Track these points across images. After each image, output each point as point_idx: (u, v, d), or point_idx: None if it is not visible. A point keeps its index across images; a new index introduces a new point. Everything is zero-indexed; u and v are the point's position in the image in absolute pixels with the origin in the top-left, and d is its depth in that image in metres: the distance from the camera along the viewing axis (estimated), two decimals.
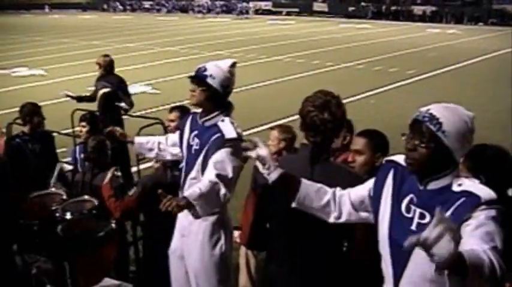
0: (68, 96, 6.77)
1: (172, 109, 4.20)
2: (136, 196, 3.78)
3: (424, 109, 1.99)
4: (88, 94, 6.91)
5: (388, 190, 2.11)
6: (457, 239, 1.59)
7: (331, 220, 2.23)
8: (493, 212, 1.84)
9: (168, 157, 3.52)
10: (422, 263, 1.90)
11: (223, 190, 2.93)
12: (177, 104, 4.94)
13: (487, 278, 1.66)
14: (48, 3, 47.95)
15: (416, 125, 1.98)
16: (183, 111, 4.01)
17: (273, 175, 2.15)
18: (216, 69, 3.13)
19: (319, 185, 2.25)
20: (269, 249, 2.79)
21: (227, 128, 3.08)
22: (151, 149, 3.51)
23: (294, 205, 2.22)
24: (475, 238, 1.76)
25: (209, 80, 3.10)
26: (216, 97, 3.12)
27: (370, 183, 2.21)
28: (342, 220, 2.22)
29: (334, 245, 2.56)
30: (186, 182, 3.22)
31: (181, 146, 3.32)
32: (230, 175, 2.99)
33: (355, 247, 2.63)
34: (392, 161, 2.16)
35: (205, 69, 3.13)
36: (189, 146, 3.22)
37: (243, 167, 3.21)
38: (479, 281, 1.68)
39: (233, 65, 3.18)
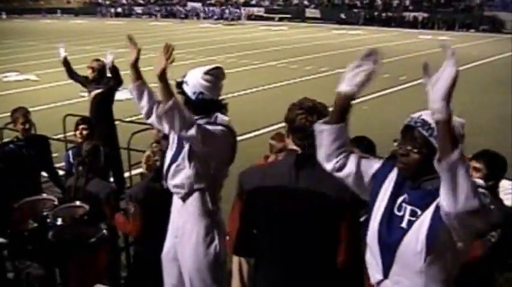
0: (64, 59, 6.69)
1: None
2: (137, 215, 3.73)
3: (416, 115, 2.03)
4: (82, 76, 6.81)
5: (389, 183, 2.13)
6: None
7: (330, 165, 2.20)
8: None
9: (154, 123, 3.43)
10: (409, 256, 1.97)
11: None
12: None
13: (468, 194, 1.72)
14: (43, 7, 47.85)
15: (409, 130, 2.01)
16: None
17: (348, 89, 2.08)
18: (190, 75, 3.14)
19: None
20: (257, 255, 2.77)
21: (220, 118, 3.14)
22: (148, 102, 3.38)
23: (321, 125, 2.16)
24: None
25: (184, 86, 3.12)
26: (190, 103, 3.11)
27: (377, 165, 2.20)
28: (341, 174, 2.20)
29: (321, 250, 2.53)
30: (170, 169, 3.21)
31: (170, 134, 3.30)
32: (195, 126, 2.92)
33: (341, 248, 2.62)
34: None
35: (184, 75, 3.15)
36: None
37: (231, 155, 3.23)
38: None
39: (210, 70, 3.11)
